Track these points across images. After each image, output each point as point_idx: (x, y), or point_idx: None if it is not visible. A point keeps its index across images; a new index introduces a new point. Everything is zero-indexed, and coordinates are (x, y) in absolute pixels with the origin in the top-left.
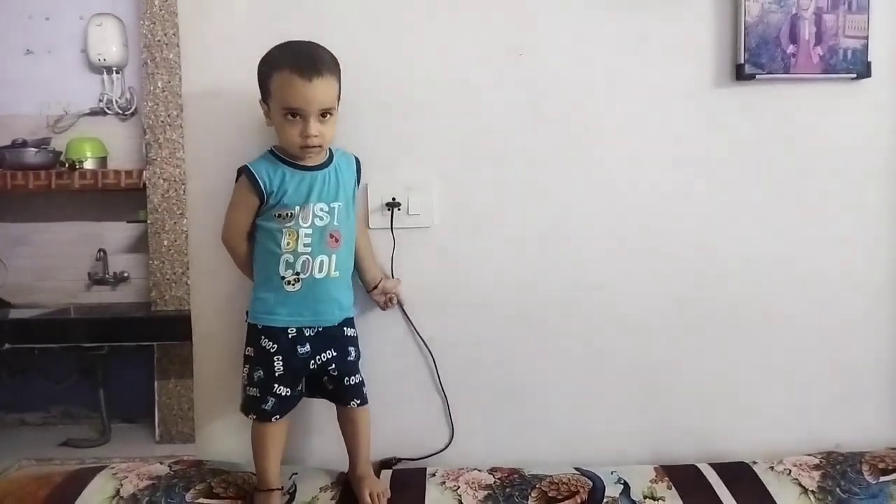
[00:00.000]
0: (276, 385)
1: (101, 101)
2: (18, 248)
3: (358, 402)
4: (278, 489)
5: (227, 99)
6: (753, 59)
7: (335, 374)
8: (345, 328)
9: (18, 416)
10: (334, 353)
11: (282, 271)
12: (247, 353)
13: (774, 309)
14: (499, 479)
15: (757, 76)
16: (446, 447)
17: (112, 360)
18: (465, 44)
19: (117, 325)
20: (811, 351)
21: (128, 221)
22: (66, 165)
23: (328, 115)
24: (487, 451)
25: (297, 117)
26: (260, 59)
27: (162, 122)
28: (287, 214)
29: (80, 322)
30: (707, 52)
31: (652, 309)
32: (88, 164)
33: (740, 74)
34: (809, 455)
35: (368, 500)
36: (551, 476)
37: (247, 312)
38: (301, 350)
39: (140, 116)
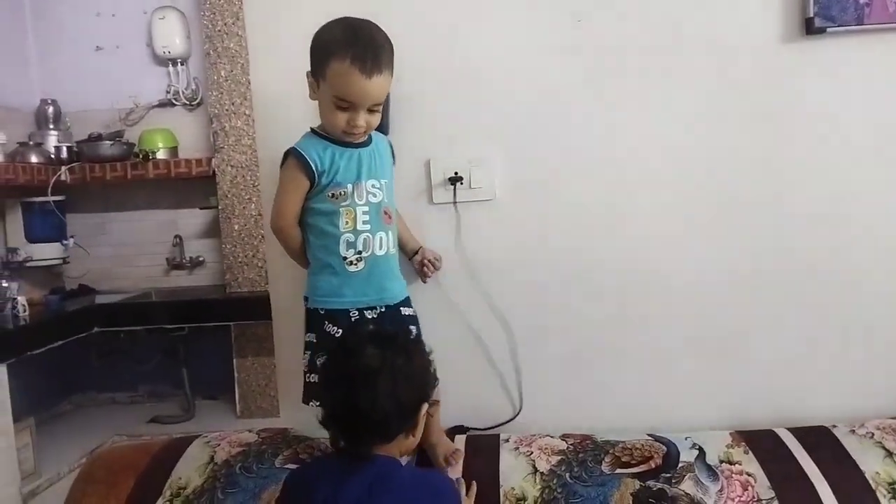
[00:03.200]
0: None
1: (168, 92)
2: (100, 238)
3: None
4: None
5: (295, 83)
6: (823, 11)
7: None
8: (401, 308)
9: (109, 395)
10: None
11: (343, 251)
12: (308, 340)
13: (854, 270)
14: (571, 444)
15: (828, 30)
16: (515, 416)
17: (193, 340)
18: (522, 14)
19: (196, 307)
20: (893, 312)
21: (200, 208)
22: (140, 156)
23: (378, 106)
24: (557, 420)
25: (347, 108)
26: (318, 32)
27: (227, 110)
28: (342, 193)
29: (161, 305)
30: (774, 6)
31: (726, 272)
32: (160, 155)
33: (810, 28)
34: (893, 418)
35: (443, 462)
36: (624, 442)
37: (305, 298)
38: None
39: (206, 106)
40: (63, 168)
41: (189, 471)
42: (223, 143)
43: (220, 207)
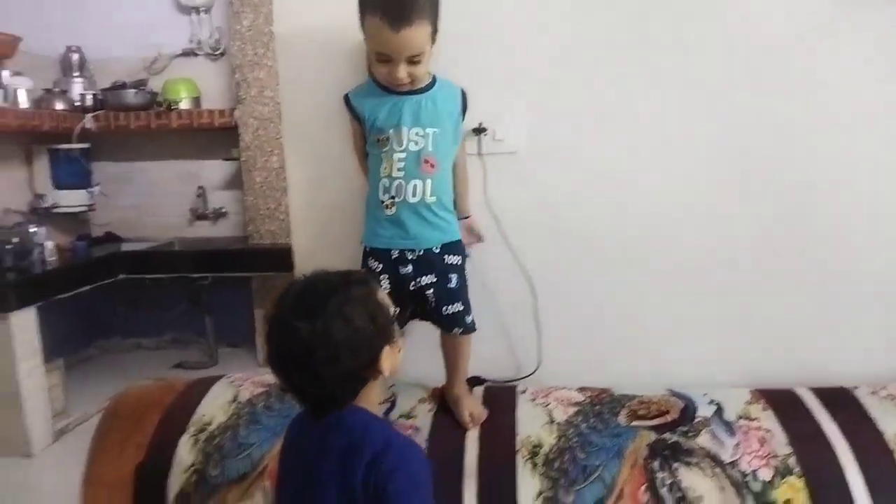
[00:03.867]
0: None
1: (191, 41)
2: (125, 186)
3: (460, 330)
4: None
5: (319, 34)
6: None
7: (433, 300)
8: (445, 255)
9: (135, 340)
10: (434, 279)
11: (380, 195)
12: None
13: (876, 230)
14: (588, 397)
15: None
16: (534, 371)
17: (215, 289)
18: None
19: (218, 257)
20: None
21: (223, 159)
22: (164, 106)
23: (418, 58)
24: (576, 376)
25: (387, 60)
26: None
27: (249, 61)
28: (383, 139)
29: (185, 254)
30: None
31: (748, 230)
32: (183, 105)
33: None
34: None
35: (468, 420)
36: (642, 396)
37: (361, 241)
38: (403, 270)
39: (229, 56)
40: (88, 116)
41: (213, 408)
42: (245, 94)
43: (242, 159)
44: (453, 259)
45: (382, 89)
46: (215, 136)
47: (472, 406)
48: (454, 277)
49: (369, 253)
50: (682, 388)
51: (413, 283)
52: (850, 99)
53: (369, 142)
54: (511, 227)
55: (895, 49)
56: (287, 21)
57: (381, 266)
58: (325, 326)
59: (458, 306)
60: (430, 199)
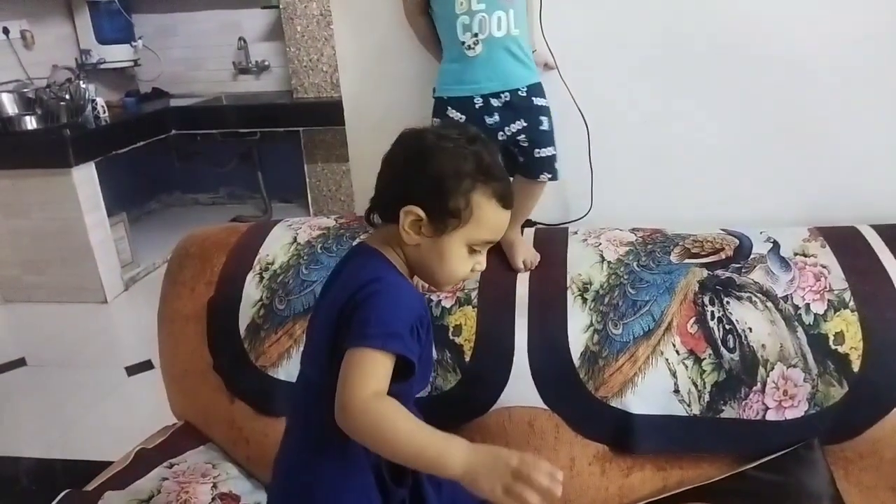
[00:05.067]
0: None
1: None
2: (168, 39)
3: (549, 175)
4: None
5: None
6: None
7: (525, 145)
8: (533, 97)
9: (192, 196)
10: (525, 124)
11: (460, 36)
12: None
13: None
14: (641, 237)
15: None
16: (586, 214)
17: (265, 145)
18: None
19: (264, 112)
20: None
21: (262, 7)
22: None
23: None
24: (630, 217)
25: None
26: None
27: None
28: None
29: (232, 110)
30: None
31: (814, 55)
32: None
33: None
34: None
35: (521, 265)
36: (696, 234)
37: (434, 88)
38: (489, 121)
39: None
40: None
41: (275, 249)
42: None
43: (281, 7)
44: (541, 101)
45: None
46: None
47: (526, 251)
48: (545, 120)
49: (448, 102)
50: (739, 227)
51: (502, 132)
52: None
53: None
54: (566, 58)
55: None
56: None
57: (464, 117)
58: (420, 139)
59: (552, 150)
60: (514, 32)
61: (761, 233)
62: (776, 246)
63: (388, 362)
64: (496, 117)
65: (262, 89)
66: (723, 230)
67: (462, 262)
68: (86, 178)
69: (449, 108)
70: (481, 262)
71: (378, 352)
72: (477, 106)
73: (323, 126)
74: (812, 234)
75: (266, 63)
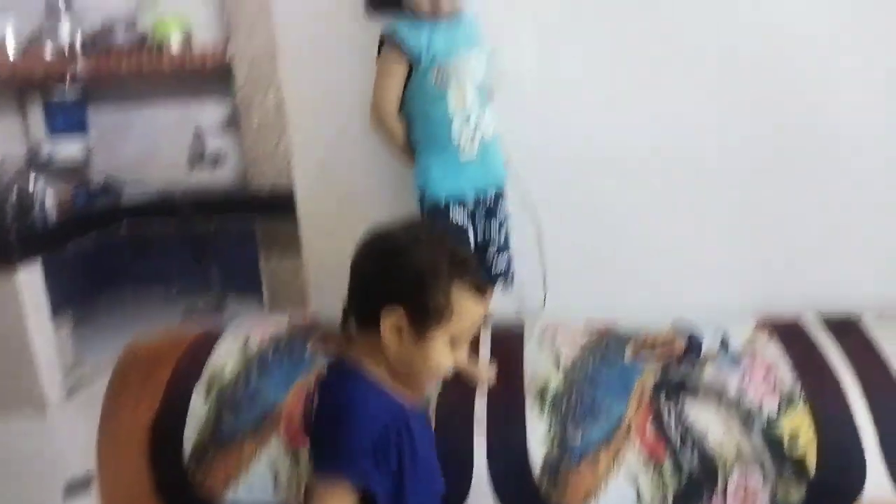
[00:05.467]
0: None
1: None
2: (122, 133)
3: (505, 282)
4: None
5: None
6: None
7: (493, 251)
8: (500, 200)
9: (142, 291)
10: (499, 225)
11: (453, 138)
12: None
13: (884, 156)
14: (594, 332)
15: None
16: (541, 305)
17: (219, 237)
18: None
19: (220, 203)
20: None
21: (218, 102)
22: (154, 45)
23: None
24: (582, 309)
25: None
26: None
27: None
28: (446, 71)
29: (186, 202)
30: None
31: (753, 156)
32: (174, 41)
33: None
34: None
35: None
36: (647, 329)
37: (420, 188)
38: (478, 217)
39: None
40: (78, 57)
41: (224, 358)
42: (237, 31)
43: (237, 99)
44: (504, 213)
45: (423, 20)
46: (209, 77)
47: (483, 373)
48: (506, 224)
49: (447, 202)
50: (687, 320)
51: (483, 234)
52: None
53: (421, 83)
54: (515, 159)
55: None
56: None
57: (464, 218)
58: (397, 234)
59: (509, 255)
60: (494, 131)
61: (710, 325)
62: (725, 340)
63: (342, 489)
64: (483, 214)
65: (217, 181)
66: (673, 323)
67: (445, 357)
68: (30, 278)
69: (455, 208)
70: (462, 356)
71: (331, 478)
72: (469, 204)
73: (279, 217)
74: (759, 325)
75: (222, 153)
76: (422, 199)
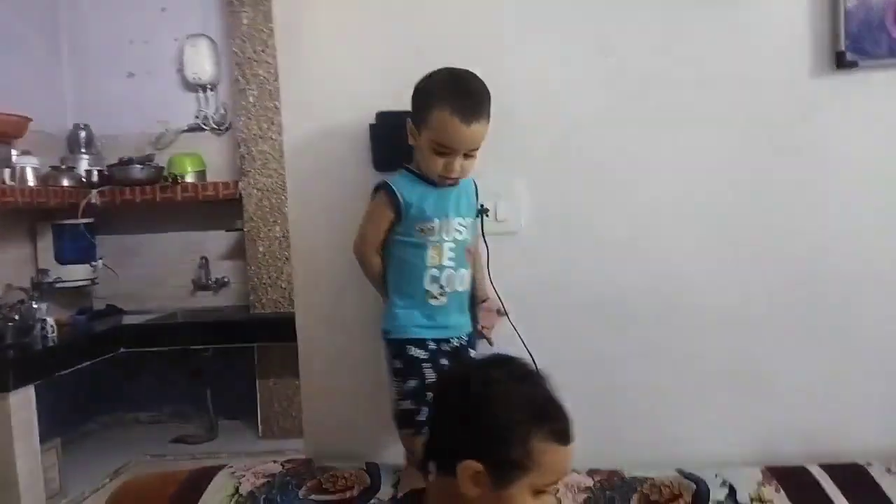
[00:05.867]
0: (429, 393)
1: (197, 117)
2: (129, 259)
3: None
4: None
5: (323, 110)
6: (855, 44)
7: None
8: (470, 349)
9: (133, 414)
10: None
11: (426, 285)
12: (396, 367)
13: (886, 299)
14: (598, 481)
15: (860, 63)
16: None
17: (216, 361)
18: (550, 47)
19: (220, 328)
20: None
21: (226, 230)
22: (169, 180)
23: (475, 152)
24: (584, 456)
25: (446, 153)
26: (420, 82)
27: (254, 135)
28: (430, 228)
29: (186, 326)
30: (804, 39)
31: (752, 305)
32: (189, 178)
33: (841, 62)
34: None
35: None
36: (653, 478)
37: (384, 330)
38: (441, 361)
39: (234, 131)
40: (93, 191)
41: (214, 502)
42: (250, 167)
43: (245, 230)
44: (474, 353)
45: (423, 179)
46: (219, 208)
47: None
48: None
49: (405, 342)
50: (693, 467)
51: None
52: (857, 164)
53: (403, 231)
54: (512, 307)
55: None
56: (293, 97)
57: (426, 355)
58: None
59: None
60: (468, 287)
61: (716, 475)
62: (733, 491)
63: None
64: (446, 360)
65: (219, 304)
66: (679, 471)
67: None
68: (22, 403)
69: (410, 347)
70: (549, 501)
71: None
72: (430, 347)
73: (279, 341)
74: (765, 476)
75: (226, 280)
76: (385, 335)
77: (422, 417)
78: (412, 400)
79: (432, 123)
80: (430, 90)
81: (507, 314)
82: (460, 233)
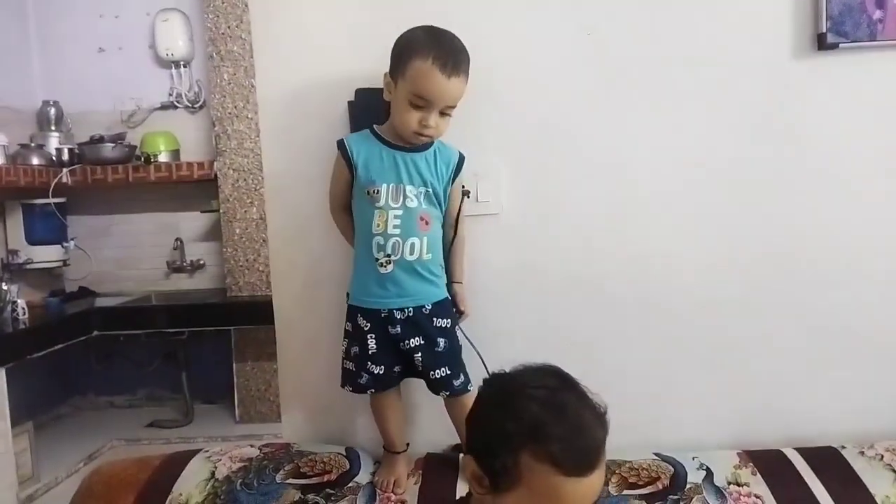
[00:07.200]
0: (369, 362)
1: (170, 95)
2: (101, 240)
3: (447, 393)
4: (403, 451)
5: (300, 88)
6: (836, 26)
7: (420, 363)
8: (435, 318)
9: (108, 398)
10: (421, 342)
11: (374, 253)
12: (346, 328)
13: (864, 287)
14: None
15: (840, 45)
16: None
17: (192, 344)
18: (531, 25)
19: (196, 310)
20: None
21: (201, 211)
22: (142, 159)
23: (451, 110)
24: None
25: (422, 106)
26: (401, 35)
27: (230, 113)
28: (374, 192)
29: (161, 309)
30: (785, 21)
31: (730, 288)
32: (162, 158)
33: (822, 44)
34: None
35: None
36: (631, 462)
37: (347, 293)
38: (392, 331)
39: (208, 109)
40: (64, 170)
41: (189, 487)
42: (225, 146)
43: (221, 211)
44: (442, 322)
45: (383, 142)
46: (194, 189)
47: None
48: (442, 341)
49: (356, 310)
50: (670, 451)
51: (403, 343)
52: (838, 146)
53: (357, 193)
54: (488, 289)
55: (884, 100)
56: (268, 74)
57: (369, 325)
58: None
59: (445, 370)
60: (426, 257)
61: (693, 458)
62: (710, 474)
63: None
64: (398, 328)
65: (194, 287)
66: (656, 455)
67: None
68: None
69: (358, 315)
70: None
71: None
72: (382, 315)
73: (256, 324)
74: (742, 459)
75: (201, 262)
76: (347, 297)
77: (362, 381)
78: (354, 363)
79: (411, 73)
80: (411, 41)
81: (464, 315)
82: (412, 200)
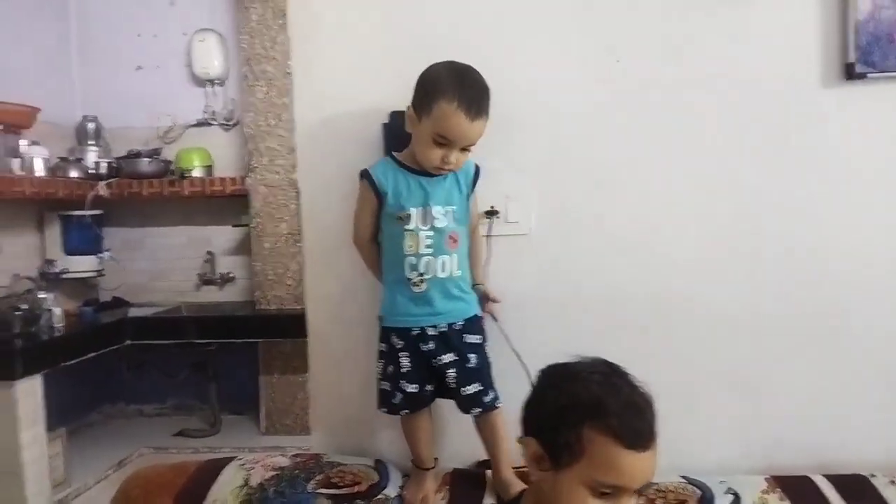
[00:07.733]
0: (402, 381)
1: (205, 112)
2: (135, 252)
3: (479, 410)
4: (432, 468)
5: (336, 109)
6: (864, 56)
7: (453, 380)
8: (466, 334)
9: (137, 407)
10: (455, 357)
11: (407, 273)
12: (380, 349)
13: (893, 312)
14: None
15: (868, 75)
16: None
17: (221, 355)
18: (561, 51)
19: (225, 322)
20: None
21: (233, 226)
22: (177, 174)
23: (472, 147)
24: None
25: (445, 144)
26: (426, 71)
27: (262, 131)
28: (405, 216)
29: (192, 320)
30: (814, 51)
31: (758, 312)
32: (196, 173)
33: (850, 74)
34: None
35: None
36: (658, 483)
37: (378, 315)
38: (424, 347)
39: (241, 126)
40: (101, 183)
41: (224, 493)
42: (257, 162)
43: (251, 226)
44: (473, 338)
45: (405, 168)
46: (226, 203)
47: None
48: (473, 357)
49: (390, 330)
50: (695, 473)
51: (435, 360)
52: (864, 173)
53: (386, 219)
54: (524, 307)
55: None
56: (305, 95)
57: (402, 343)
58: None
59: (477, 386)
60: (456, 274)
61: (721, 482)
62: (737, 498)
63: None
64: (431, 345)
65: (224, 299)
66: (683, 478)
67: (580, 501)
68: (29, 392)
69: (392, 335)
70: None
71: None
72: (414, 334)
73: (283, 337)
74: (770, 484)
75: (231, 275)
76: (379, 319)
77: (396, 401)
78: (389, 383)
79: (436, 114)
80: (437, 82)
81: (497, 300)
82: (440, 220)
